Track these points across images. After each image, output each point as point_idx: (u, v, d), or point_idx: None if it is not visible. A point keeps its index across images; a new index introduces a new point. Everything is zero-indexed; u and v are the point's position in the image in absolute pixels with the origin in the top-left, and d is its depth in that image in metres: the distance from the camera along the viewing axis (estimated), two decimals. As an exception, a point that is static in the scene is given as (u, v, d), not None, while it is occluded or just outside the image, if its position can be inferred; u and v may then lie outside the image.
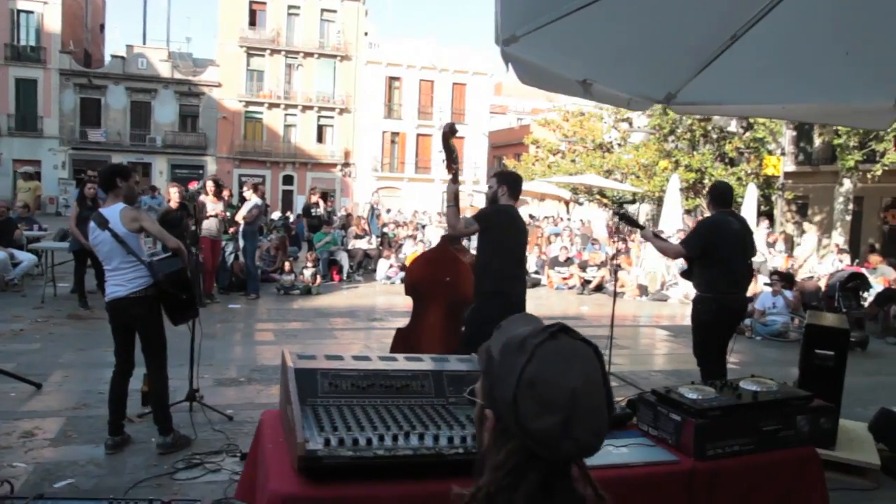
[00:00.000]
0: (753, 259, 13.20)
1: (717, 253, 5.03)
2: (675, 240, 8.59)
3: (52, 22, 37.18)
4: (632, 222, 5.92)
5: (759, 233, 13.94)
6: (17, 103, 37.00)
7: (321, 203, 14.92)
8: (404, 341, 5.18)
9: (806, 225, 14.53)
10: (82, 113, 37.99)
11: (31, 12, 37.18)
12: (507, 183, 4.81)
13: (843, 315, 6.80)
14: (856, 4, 2.85)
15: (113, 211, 4.40)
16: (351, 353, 2.92)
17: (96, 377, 5.85)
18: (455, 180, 4.92)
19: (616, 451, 2.46)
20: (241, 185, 39.49)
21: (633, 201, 8.58)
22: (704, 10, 2.98)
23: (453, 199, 4.85)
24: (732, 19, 2.98)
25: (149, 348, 4.59)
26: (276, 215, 24.21)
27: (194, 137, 39.42)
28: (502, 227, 4.64)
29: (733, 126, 19.60)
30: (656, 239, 5.62)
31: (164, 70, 39.01)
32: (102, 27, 48.99)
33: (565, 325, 1.17)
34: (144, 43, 43.06)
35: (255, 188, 11.51)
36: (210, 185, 10.45)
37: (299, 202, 32.13)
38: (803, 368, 4.73)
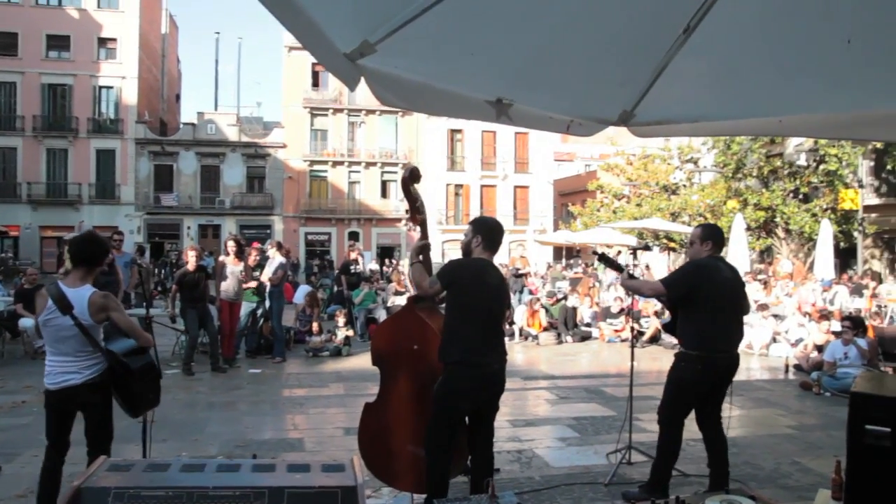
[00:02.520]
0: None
1: (704, 301, 4.38)
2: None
3: (130, 95, 39.11)
4: (612, 265, 5.24)
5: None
6: (98, 172, 38.81)
7: (360, 260, 14.52)
8: (374, 418, 4.47)
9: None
10: (156, 179, 39.42)
11: (111, 87, 39.21)
12: (482, 232, 4.12)
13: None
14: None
15: (80, 295, 3.88)
16: (186, 460, 2.26)
17: (70, 459, 5.41)
18: (423, 234, 4.29)
19: None
20: (307, 243, 40.33)
21: (646, 246, 7.71)
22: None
23: (417, 253, 4.22)
24: (676, 5, 2.24)
25: (95, 435, 4.06)
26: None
27: (261, 198, 40.24)
28: (465, 286, 3.96)
29: (803, 160, 18.24)
30: (631, 280, 4.94)
31: (232, 134, 40.23)
32: (178, 97, 51.37)
33: None
34: (216, 109, 44.73)
35: (280, 247, 11.14)
36: (231, 245, 10.07)
37: (366, 257, 31.96)
38: (852, 448, 3.75)
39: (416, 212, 4.25)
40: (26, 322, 10.60)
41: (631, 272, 5.00)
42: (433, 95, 2.32)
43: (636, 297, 14.73)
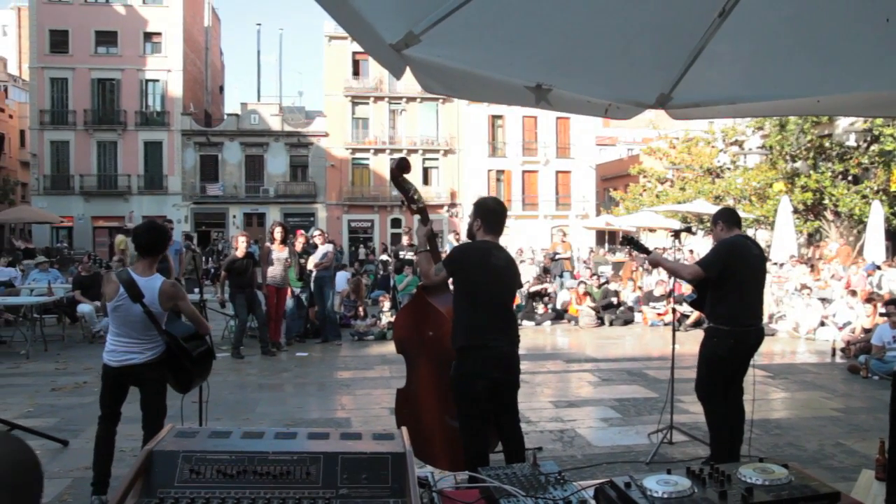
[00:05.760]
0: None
1: (735, 278, 4.60)
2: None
3: (175, 88, 39.94)
4: (639, 247, 5.36)
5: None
6: (146, 164, 39.82)
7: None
8: (405, 402, 4.58)
9: None
10: (202, 169, 40.23)
11: (157, 80, 40.07)
12: (481, 214, 4.06)
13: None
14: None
15: (151, 284, 4.13)
16: (246, 428, 2.42)
17: (126, 433, 5.69)
18: (424, 221, 4.26)
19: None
20: (350, 231, 40.80)
21: (689, 229, 7.67)
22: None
23: (424, 242, 4.22)
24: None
25: (149, 408, 4.34)
26: (384, 257, 24.42)
27: (304, 186, 40.78)
28: (469, 270, 3.91)
29: (853, 141, 17.75)
30: (666, 260, 5.23)
31: (275, 124, 40.78)
32: (222, 88, 52.20)
33: None
34: (259, 99, 45.39)
35: (324, 237, 11.36)
36: (277, 232, 10.31)
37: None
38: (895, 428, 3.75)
39: (411, 201, 4.22)
40: (84, 308, 11.05)
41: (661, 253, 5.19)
42: (475, 83, 2.42)
43: (678, 280, 14.70)
